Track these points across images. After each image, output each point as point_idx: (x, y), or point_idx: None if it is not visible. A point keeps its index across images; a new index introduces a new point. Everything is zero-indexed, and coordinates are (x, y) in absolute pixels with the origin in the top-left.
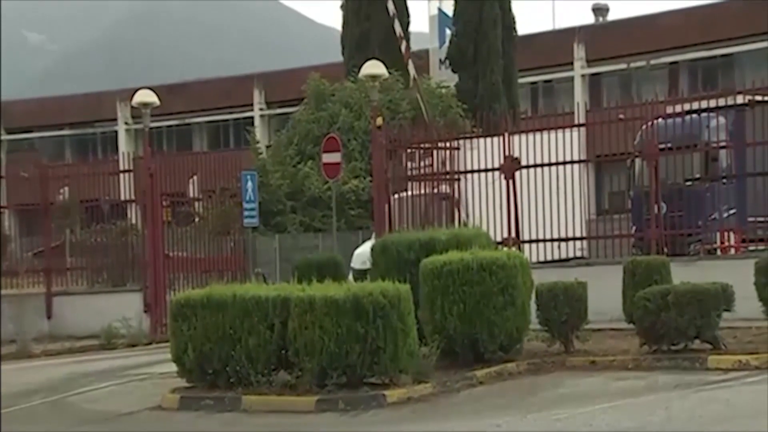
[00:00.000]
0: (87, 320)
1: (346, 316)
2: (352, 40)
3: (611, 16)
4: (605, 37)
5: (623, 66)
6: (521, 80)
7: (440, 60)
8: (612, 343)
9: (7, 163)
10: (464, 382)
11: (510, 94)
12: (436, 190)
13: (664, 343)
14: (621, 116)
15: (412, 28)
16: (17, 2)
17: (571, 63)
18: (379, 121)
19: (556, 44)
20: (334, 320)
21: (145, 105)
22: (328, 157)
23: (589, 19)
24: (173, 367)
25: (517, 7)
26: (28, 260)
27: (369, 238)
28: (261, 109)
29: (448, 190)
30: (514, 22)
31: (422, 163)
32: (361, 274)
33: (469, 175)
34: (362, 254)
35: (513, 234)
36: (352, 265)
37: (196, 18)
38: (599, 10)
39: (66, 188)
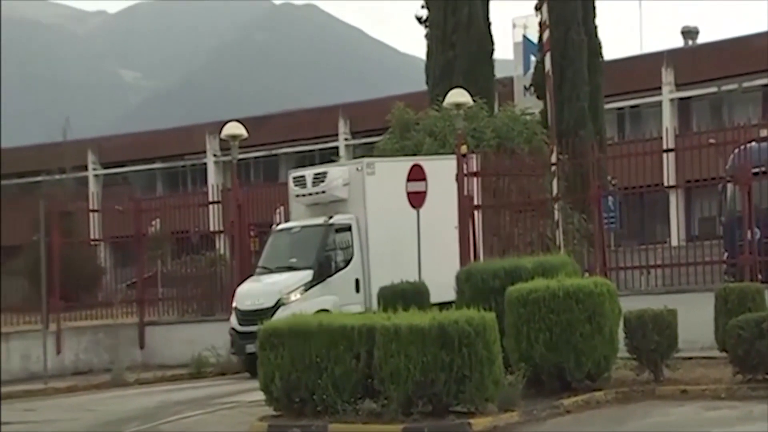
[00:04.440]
0: (177, 349)
1: (432, 345)
2: (436, 68)
3: (701, 39)
4: (695, 61)
5: (714, 89)
6: (608, 106)
7: (525, 87)
8: (703, 372)
9: (102, 196)
10: (551, 410)
11: (596, 120)
12: (330, 219)
13: (759, 372)
14: (712, 141)
15: (496, 56)
16: (113, 41)
17: (660, 87)
18: (464, 149)
19: (643, 69)
20: (419, 348)
21: (234, 137)
22: (413, 186)
23: (678, 42)
24: (261, 396)
25: (603, 33)
26: (122, 291)
27: (254, 273)
28: (346, 139)
29: (346, 219)
30: (600, 48)
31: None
32: (247, 317)
33: (372, 205)
34: (247, 294)
35: (601, 261)
36: (235, 305)
37: (282, 52)
38: (688, 33)
39: (157, 220)
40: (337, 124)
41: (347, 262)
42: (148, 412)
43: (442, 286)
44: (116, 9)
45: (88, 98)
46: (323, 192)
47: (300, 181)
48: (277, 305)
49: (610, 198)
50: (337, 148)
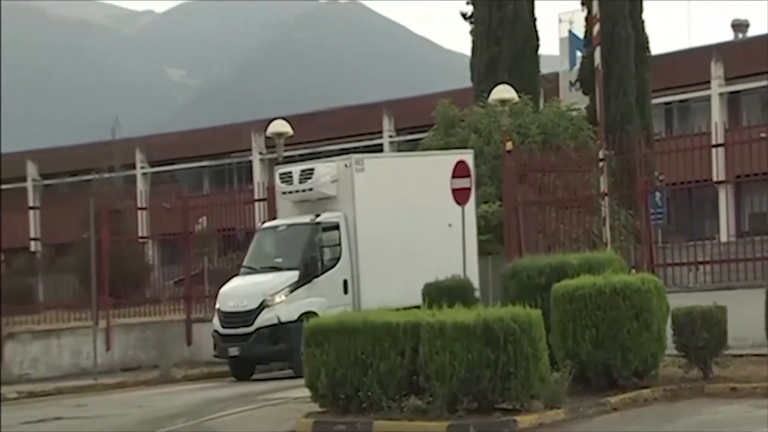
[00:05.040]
0: None
1: (477, 342)
2: (481, 65)
3: (751, 32)
4: (745, 54)
5: (765, 83)
6: (655, 101)
7: (570, 82)
8: (754, 370)
9: (150, 194)
10: (597, 408)
11: (643, 115)
12: (317, 218)
13: None
14: (762, 135)
15: (541, 51)
16: (160, 41)
17: (708, 82)
18: (509, 145)
19: (692, 63)
20: (464, 345)
21: (279, 135)
22: (457, 183)
23: (728, 36)
24: (306, 392)
25: (651, 27)
26: (169, 288)
27: (238, 274)
28: (390, 136)
29: (334, 218)
30: (648, 42)
31: None
32: (230, 318)
33: (361, 203)
34: (230, 295)
35: (648, 258)
36: (218, 306)
37: (327, 49)
38: (739, 26)
39: (204, 218)
40: (382, 121)
41: (335, 263)
42: (194, 408)
43: None
44: (163, 9)
45: (136, 97)
46: (310, 189)
47: (287, 178)
48: (261, 307)
49: (658, 194)
50: (381, 145)
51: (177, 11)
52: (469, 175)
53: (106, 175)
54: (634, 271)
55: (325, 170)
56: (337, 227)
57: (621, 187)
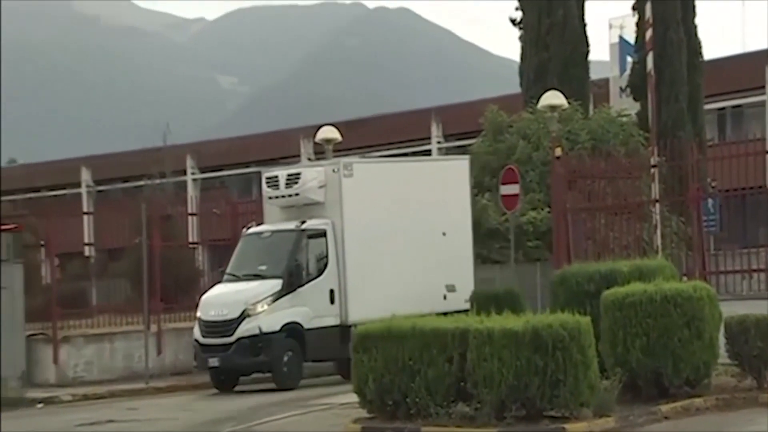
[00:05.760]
0: None
1: (525, 349)
2: (530, 70)
3: None
4: None
5: None
6: (708, 106)
7: (621, 88)
8: None
9: (200, 200)
10: (648, 416)
11: (696, 121)
12: (302, 224)
13: None
14: None
15: (591, 57)
16: (211, 48)
17: (763, 87)
18: (558, 151)
19: (746, 68)
20: (513, 352)
21: (328, 141)
22: (506, 189)
23: None
24: (354, 398)
25: (704, 32)
26: None
27: (221, 281)
28: (438, 142)
29: (321, 225)
30: (700, 47)
31: None
32: (211, 328)
33: (350, 210)
34: (212, 303)
35: (700, 265)
36: (199, 314)
37: (375, 55)
38: None
39: (253, 223)
40: (430, 127)
41: (321, 271)
42: (243, 413)
43: (434, 295)
44: (215, 16)
45: (187, 104)
46: (297, 194)
47: (273, 182)
48: (242, 316)
49: (710, 200)
50: (429, 151)
51: (228, 18)
52: (516, 182)
53: (158, 181)
54: (685, 278)
55: (312, 175)
56: (323, 234)
57: (672, 193)
